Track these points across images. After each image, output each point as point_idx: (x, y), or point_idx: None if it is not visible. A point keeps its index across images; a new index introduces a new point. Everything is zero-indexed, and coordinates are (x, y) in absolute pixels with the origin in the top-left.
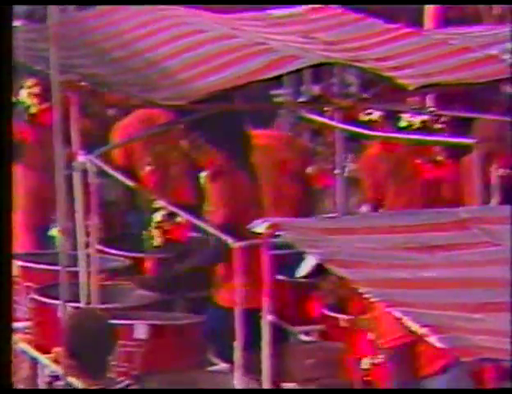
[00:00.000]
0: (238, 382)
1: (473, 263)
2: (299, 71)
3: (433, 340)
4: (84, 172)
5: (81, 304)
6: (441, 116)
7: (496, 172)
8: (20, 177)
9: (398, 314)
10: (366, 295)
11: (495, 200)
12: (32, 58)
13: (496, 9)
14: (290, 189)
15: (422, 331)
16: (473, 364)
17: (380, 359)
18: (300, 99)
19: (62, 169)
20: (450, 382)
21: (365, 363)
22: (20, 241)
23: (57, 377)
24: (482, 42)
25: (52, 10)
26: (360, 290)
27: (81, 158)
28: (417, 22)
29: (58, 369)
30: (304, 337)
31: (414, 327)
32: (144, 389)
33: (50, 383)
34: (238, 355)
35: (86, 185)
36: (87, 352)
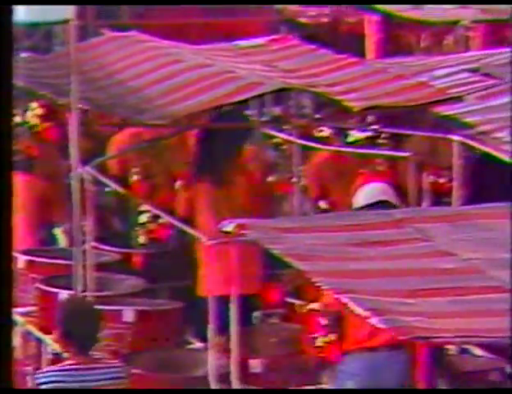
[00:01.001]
0: (211, 359)
1: (407, 256)
2: (262, 95)
3: (375, 321)
4: (82, 181)
5: (77, 293)
6: (382, 132)
7: (427, 180)
8: (28, 185)
9: (345, 300)
10: (318, 284)
11: (425, 203)
12: (36, 84)
13: (424, 42)
14: (255, 194)
15: (365, 314)
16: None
17: (331, 338)
18: (263, 119)
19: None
20: (391, 356)
21: (319, 341)
22: (26, 239)
23: (57, 355)
24: (414, 70)
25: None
26: (313, 280)
27: (79, 169)
28: (360, 53)
29: (58, 347)
30: (268, 320)
31: (359, 310)
32: (144, 389)
33: (52, 360)
34: (212, 335)
35: (83, 192)
36: (77, 332)
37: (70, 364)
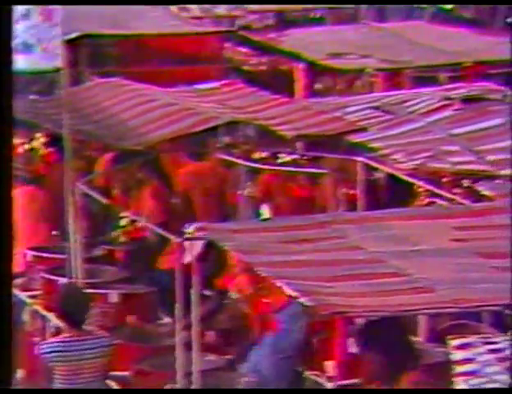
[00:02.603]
0: (178, 331)
1: (327, 250)
2: (216, 127)
3: (303, 300)
4: (74, 193)
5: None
6: (305, 155)
7: (342, 191)
8: (35, 196)
9: (280, 284)
10: (260, 273)
11: (341, 209)
12: (41, 119)
13: (340, 85)
14: (212, 202)
15: (295, 294)
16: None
17: (273, 316)
18: (217, 145)
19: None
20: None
21: (259, 316)
22: (33, 238)
23: (58, 329)
24: (331, 107)
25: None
26: (256, 269)
27: (72, 184)
28: (291, 93)
29: (59, 323)
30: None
31: (290, 292)
32: (144, 389)
33: (54, 333)
34: (178, 313)
35: (76, 202)
36: (71, 311)
37: (67, 336)
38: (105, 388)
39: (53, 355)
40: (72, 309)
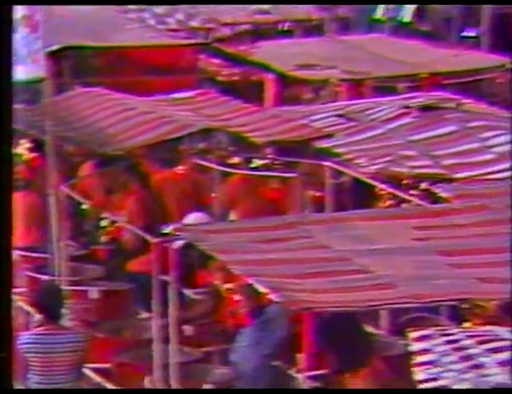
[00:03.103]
0: (155, 325)
1: (296, 249)
2: (192, 133)
3: (273, 296)
4: (58, 196)
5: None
6: (275, 160)
7: (310, 194)
8: (21, 198)
9: (252, 281)
10: (234, 271)
11: (308, 210)
12: (27, 127)
13: (307, 94)
14: (188, 205)
15: (266, 291)
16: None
17: (242, 310)
18: (193, 151)
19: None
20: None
21: (234, 312)
22: (21, 238)
23: (40, 324)
24: (299, 115)
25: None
26: (230, 267)
27: (56, 188)
28: (261, 102)
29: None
30: (195, 296)
31: (262, 289)
32: (144, 389)
33: (36, 327)
34: (155, 308)
35: (59, 204)
36: (47, 306)
37: (42, 330)
38: (105, 388)
39: (27, 346)
40: (49, 304)
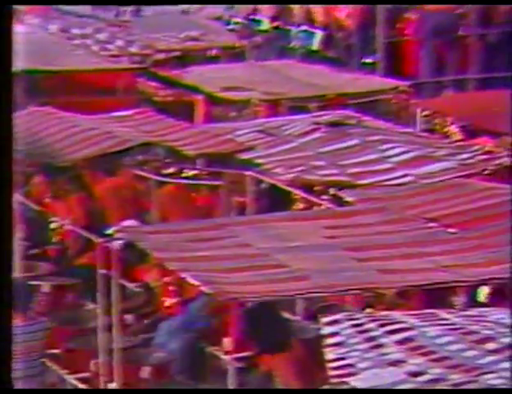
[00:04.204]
0: (100, 315)
1: (224, 248)
2: (131, 147)
3: (204, 288)
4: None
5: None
6: (205, 170)
7: (235, 199)
8: None
9: (185, 275)
10: (170, 267)
11: (234, 213)
12: None
13: (231, 113)
14: (128, 209)
15: (198, 283)
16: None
17: (174, 301)
18: (132, 163)
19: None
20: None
21: (168, 302)
22: None
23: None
24: (225, 130)
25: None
26: (166, 264)
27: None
28: (191, 120)
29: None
30: (135, 289)
31: (194, 282)
32: (144, 389)
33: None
34: (100, 300)
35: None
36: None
37: (17, 322)
38: (105, 388)
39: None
40: (18, 298)
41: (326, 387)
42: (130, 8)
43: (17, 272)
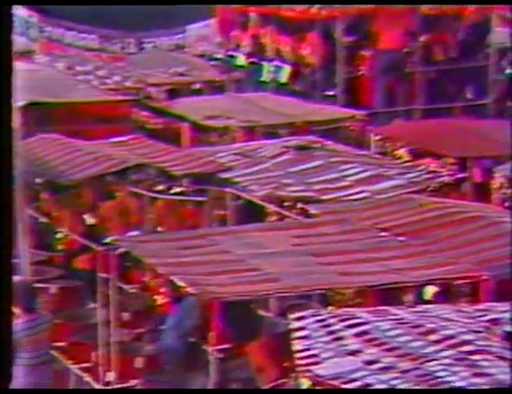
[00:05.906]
0: (99, 313)
1: (207, 254)
2: (127, 168)
3: (190, 289)
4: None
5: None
6: (190, 187)
7: (216, 212)
8: None
9: (173, 278)
10: (160, 271)
11: (215, 225)
12: None
13: (213, 138)
14: (125, 221)
15: (184, 285)
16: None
17: (165, 299)
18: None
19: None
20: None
21: (157, 299)
22: None
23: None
24: (208, 153)
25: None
26: (157, 268)
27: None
28: (179, 144)
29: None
30: (131, 290)
31: (181, 284)
32: (144, 389)
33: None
34: (100, 299)
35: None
36: (24, 300)
37: (27, 319)
38: (105, 388)
39: (21, 334)
40: (24, 298)
41: (293, 373)
42: (133, 40)
43: (27, 276)
